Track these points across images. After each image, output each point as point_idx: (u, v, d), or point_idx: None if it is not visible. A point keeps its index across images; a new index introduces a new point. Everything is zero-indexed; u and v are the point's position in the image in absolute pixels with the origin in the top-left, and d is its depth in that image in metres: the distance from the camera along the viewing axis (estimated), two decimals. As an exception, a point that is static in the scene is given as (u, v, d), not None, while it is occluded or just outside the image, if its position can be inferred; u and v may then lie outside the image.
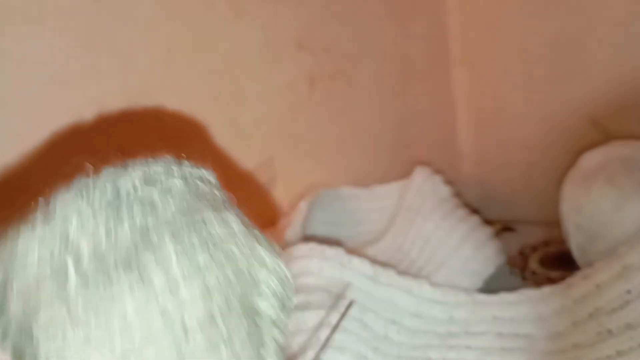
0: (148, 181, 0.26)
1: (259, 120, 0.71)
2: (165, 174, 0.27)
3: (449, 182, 0.78)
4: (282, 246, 0.64)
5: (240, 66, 0.69)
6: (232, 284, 0.24)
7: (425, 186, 0.75)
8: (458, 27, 0.91)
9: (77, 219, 0.23)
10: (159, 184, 0.26)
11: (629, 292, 0.49)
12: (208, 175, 0.29)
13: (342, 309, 0.48)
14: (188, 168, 0.28)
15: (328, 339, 0.39)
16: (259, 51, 0.70)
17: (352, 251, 0.61)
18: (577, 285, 0.54)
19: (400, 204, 0.76)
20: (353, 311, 0.53)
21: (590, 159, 0.65)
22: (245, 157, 0.71)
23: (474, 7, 0.88)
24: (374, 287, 0.56)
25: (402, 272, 0.60)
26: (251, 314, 0.25)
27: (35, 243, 0.23)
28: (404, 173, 0.82)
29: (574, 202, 0.63)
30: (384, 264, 0.60)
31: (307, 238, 0.69)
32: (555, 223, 0.77)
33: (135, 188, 0.25)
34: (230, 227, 0.26)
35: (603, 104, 0.76)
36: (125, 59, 0.60)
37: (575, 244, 0.62)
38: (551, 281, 0.62)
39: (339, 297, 0.52)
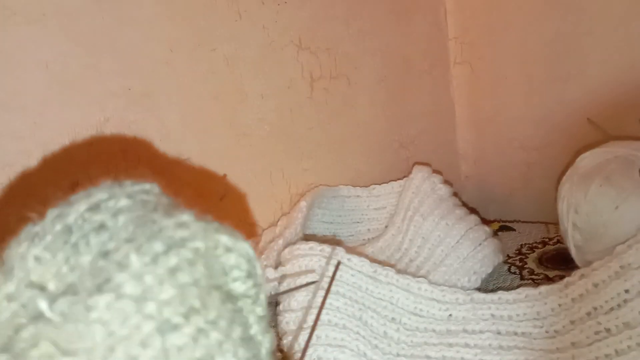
0: (94, 208, 0.26)
1: (259, 120, 0.72)
2: (109, 197, 0.27)
3: (447, 181, 0.78)
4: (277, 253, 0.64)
5: (240, 66, 0.69)
6: (205, 276, 0.25)
7: (424, 185, 0.76)
8: (457, 28, 0.92)
9: (38, 266, 0.23)
10: (105, 208, 0.26)
11: (627, 291, 0.49)
12: (151, 187, 0.30)
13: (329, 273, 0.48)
14: (130, 187, 0.29)
15: (323, 304, 0.39)
16: (260, 51, 0.70)
17: (351, 250, 0.62)
18: (575, 284, 0.54)
19: (399, 203, 0.76)
20: (352, 309, 0.54)
21: (588, 159, 0.65)
22: (246, 156, 0.71)
23: (473, 8, 0.88)
24: (373, 285, 0.57)
25: (401, 271, 0.60)
26: (231, 299, 0.27)
27: (3, 301, 0.23)
28: (403, 172, 0.83)
29: (571, 202, 0.63)
30: (383, 263, 0.60)
31: (307, 237, 0.70)
32: (553, 222, 0.78)
33: (83, 219, 0.25)
34: (187, 227, 0.27)
35: (601, 104, 0.76)
36: (126, 60, 0.60)
37: (573, 243, 0.63)
38: (549, 280, 0.63)
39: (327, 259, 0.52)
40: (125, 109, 0.61)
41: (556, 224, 0.68)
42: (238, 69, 0.69)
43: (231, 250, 0.27)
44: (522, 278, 0.65)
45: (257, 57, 0.70)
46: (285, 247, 0.62)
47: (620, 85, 0.74)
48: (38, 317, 0.22)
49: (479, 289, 0.62)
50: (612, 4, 0.72)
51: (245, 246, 0.29)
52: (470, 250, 0.66)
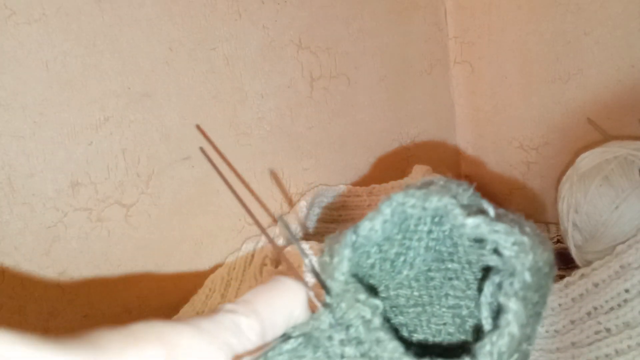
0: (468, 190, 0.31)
1: (259, 119, 0.72)
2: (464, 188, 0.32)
3: (447, 181, 0.78)
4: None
5: (240, 66, 0.69)
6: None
7: (423, 185, 0.75)
8: (457, 28, 0.92)
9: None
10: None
11: (627, 290, 0.49)
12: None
13: None
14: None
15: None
16: (260, 51, 0.70)
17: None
18: (575, 284, 0.54)
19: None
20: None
21: (588, 159, 0.65)
22: (246, 156, 0.71)
23: (473, 7, 0.88)
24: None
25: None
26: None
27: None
28: (403, 172, 0.83)
29: (571, 202, 0.63)
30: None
31: (307, 237, 0.70)
32: (553, 222, 0.78)
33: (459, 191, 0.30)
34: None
35: (601, 104, 0.76)
36: (126, 59, 0.60)
37: (573, 243, 0.63)
38: (549, 280, 0.63)
39: None
40: (125, 109, 0.60)
41: (556, 223, 0.68)
42: (238, 69, 0.69)
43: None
44: (522, 278, 0.65)
45: (257, 56, 0.70)
46: (285, 247, 0.62)
47: (619, 85, 0.74)
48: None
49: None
50: (611, 4, 0.72)
51: None
52: (470, 250, 0.66)
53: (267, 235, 0.32)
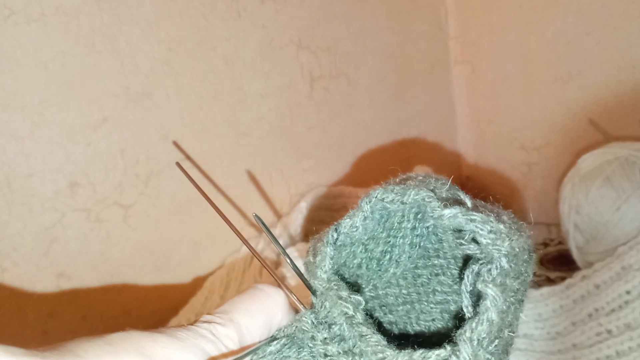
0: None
1: (258, 119, 0.71)
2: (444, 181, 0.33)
3: (448, 181, 0.78)
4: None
5: (240, 65, 0.69)
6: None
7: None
8: (457, 28, 0.91)
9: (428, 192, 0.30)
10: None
11: (628, 292, 0.49)
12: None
13: None
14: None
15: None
16: (259, 51, 0.70)
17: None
18: (577, 285, 0.54)
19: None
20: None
21: (589, 160, 0.65)
22: (245, 156, 0.71)
23: (473, 7, 0.88)
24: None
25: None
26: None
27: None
28: (403, 173, 0.82)
29: (573, 203, 0.63)
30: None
31: (307, 239, 0.70)
32: (554, 223, 0.78)
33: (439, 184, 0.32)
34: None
35: (602, 104, 0.76)
36: (125, 59, 0.60)
37: (575, 244, 0.63)
38: (550, 281, 0.63)
39: None
40: (124, 109, 0.60)
41: (557, 224, 0.68)
42: (237, 68, 0.68)
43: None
44: (522, 279, 0.65)
45: (257, 56, 0.70)
46: (284, 248, 0.62)
47: (621, 85, 0.74)
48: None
49: (479, 290, 0.61)
50: (612, 4, 0.72)
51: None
52: (471, 251, 0.65)
53: (247, 245, 0.33)
